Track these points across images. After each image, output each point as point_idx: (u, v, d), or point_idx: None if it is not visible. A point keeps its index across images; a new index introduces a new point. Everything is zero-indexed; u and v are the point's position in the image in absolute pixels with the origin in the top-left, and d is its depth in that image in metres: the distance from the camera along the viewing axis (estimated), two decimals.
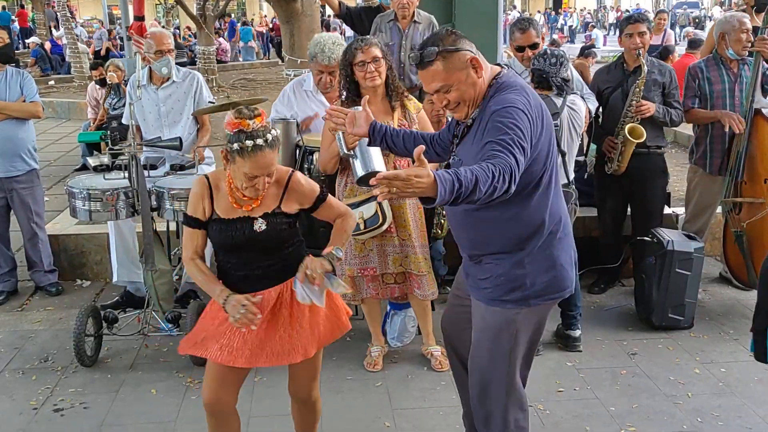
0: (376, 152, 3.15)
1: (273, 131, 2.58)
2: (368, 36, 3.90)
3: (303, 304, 2.70)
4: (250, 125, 2.52)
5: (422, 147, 2.12)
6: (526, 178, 2.39)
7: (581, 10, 41.87)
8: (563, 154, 3.89)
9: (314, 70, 4.23)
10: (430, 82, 2.49)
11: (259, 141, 2.51)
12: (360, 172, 3.49)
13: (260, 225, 2.65)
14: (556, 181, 2.59)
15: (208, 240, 2.77)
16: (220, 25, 23.24)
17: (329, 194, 2.87)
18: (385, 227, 3.71)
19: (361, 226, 3.69)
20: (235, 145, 2.52)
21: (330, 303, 2.81)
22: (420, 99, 4.31)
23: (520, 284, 2.57)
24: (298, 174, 2.78)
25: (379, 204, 3.65)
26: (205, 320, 2.80)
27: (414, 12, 5.70)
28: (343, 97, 3.81)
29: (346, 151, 3.23)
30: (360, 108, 2.95)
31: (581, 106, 4.00)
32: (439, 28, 2.50)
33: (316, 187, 2.81)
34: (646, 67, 4.51)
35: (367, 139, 2.89)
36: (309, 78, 4.43)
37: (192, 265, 2.74)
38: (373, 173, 3.48)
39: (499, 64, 2.64)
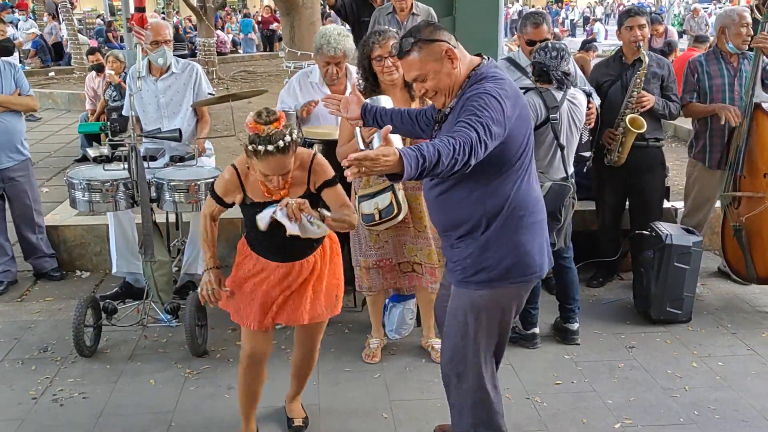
0: (396, 141, 3.20)
1: (288, 136, 2.71)
2: (386, 28, 3.86)
3: (315, 276, 3.06)
4: (265, 130, 2.69)
5: (389, 127, 2.28)
6: (497, 161, 2.52)
7: (587, 6, 41.67)
8: (562, 148, 3.89)
9: (321, 62, 4.23)
10: (408, 71, 2.63)
11: (270, 147, 2.67)
12: None
13: None
14: (530, 168, 2.68)
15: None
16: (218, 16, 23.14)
17: (338, 184, 3.01)
18: (401, 218, 3.69)
19: (376, 217, 3.69)
20: (250, 147, 2.72)
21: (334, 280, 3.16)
22: None
23: (484, 266, 2.67)
24: (320, 156, 2.99)
25: (395, 194, 3.66)
26: (234, 286, 3.12)
27: (412, 4, 5.69)
28: (361, 87, 3.79)
29: (362, 147, 3.28)
30: (380, 97, 3.16)
31: (582, 100, 3.99)
32: (421, 22, 2.63)
33: (331, 171, 2.99)
34: (646, 59, 4.51)
35: (382, 133, 2.97)
36: (315, 70, 4.44)
37: (203, 220, 3.08)
38: None
39: (480, 54, 2.68)
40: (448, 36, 2.59)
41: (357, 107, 3.02)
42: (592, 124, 4.36)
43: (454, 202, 2.66)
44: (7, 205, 5.18)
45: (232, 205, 3.03)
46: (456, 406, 2.96)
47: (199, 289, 3.07)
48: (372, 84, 3.76)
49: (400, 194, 3.70)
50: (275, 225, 2.80)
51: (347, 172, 2.13)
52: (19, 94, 5.01)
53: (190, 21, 23.89)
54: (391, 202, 3.69)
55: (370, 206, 3.70)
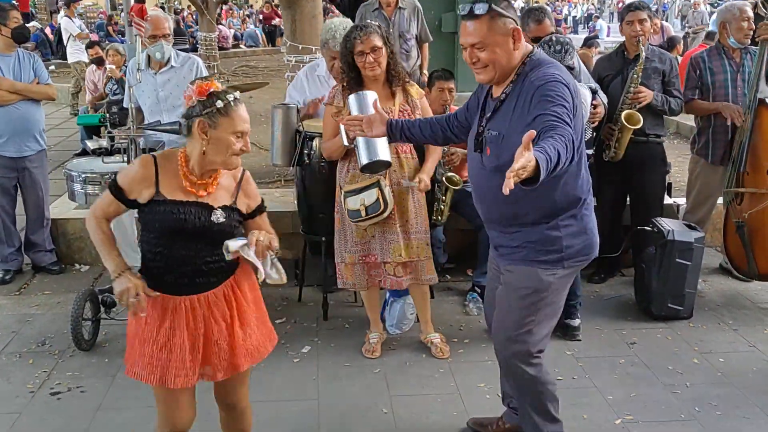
0: (381, 141, 3.20)
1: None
2: (369, 23, 3.85)
3: (245, 307, 2.60)
4: (218, 86, 2.45)
5: (533, 132, 2.11)
6: None
7: (591, 3, 41.57)
8: None
9: (327, 56, 4.24)
10: (470, 35, 2.53)
11: (237, 94, 2.46)
12: (364, 160, 3.54)
13: (219, 216, 2.49)
14: (583, 153, 2.67)
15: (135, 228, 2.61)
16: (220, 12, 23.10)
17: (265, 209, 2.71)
18: (386, 214, 3.68)
19: (362, 213, 3.67)
20: (219, 103, 2.39)
21: (260, 312, 2.69)
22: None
23: (556, 247, 2.67)
24: (249, 174, 2.64)
25: (381, 191, 3.63)
26: (143, 343, 2.52)
27: None
28: (344, 83, 3.77)
29: (347, 143, 3.28)
30: (366, 92, 3.18)
31: (586, 95, 3.96)
32: None
33: (260, 197, 2.66)
34: (644, 54, 4.49)
35: None
36: (322, 63, 4.44)
37: (94, 222, 2.52)
38: (379, 161, 3.52)
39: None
40: (517, 16, 2.56)
41: (381, 125, 2.98)
42: (596, 123, 4.33)
43: (520, 196, 2.44)
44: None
45: (133, 204, 2.49)
46: (520, 390, 2.95)
47: (118, 300, 2.44)
48: (355, 78, 3.74)
49: (387, 191, 3.68)
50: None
51: (504, 187, 1.99)
52: (38, 83, 5.01)
53: (192, 15, 23.85)
54: (378, 199, 3.67)
55: (356, 202, 3.68)
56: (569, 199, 2.65)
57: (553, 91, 2.42)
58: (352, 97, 3.46)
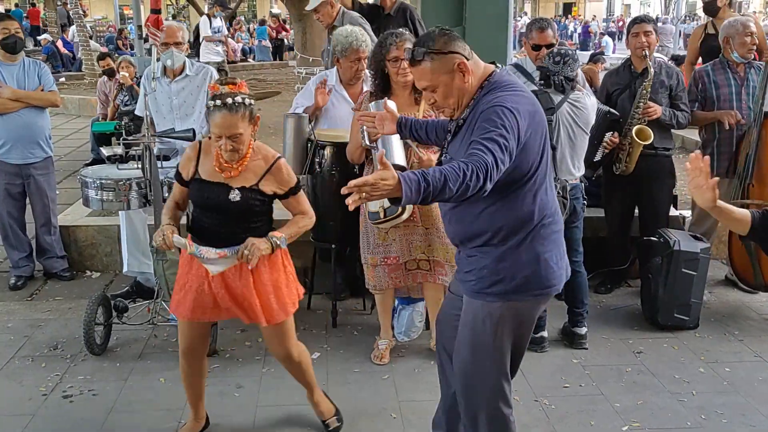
0: (397, 145, 3.29)
1: (239, 97, 2.82)
2: (401, 30, 3.89)
3: (258, 277, 3.03)
4: (220, 89, 2.85)
5: (383, 151, 2.35)
6: (514, 173, 2.44)
7: (593, 18, 41.76)
8: (553, 149, 3.91)
9: (349, 60, 4.29)
10: (418, 79, 2.59)
11: (219, 102, 2.80)
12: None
13: (235, 196, 2.93)
14: (548, 176, 2.61)
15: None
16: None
17: (302, 191, 3.13)
18: (405, 216, 3.70)
19: (381, 215, 3.71)
20: (209, 103, 2.84)
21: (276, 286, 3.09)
22: None
23: (501, 277, 2.57)
24: (284, 161, 3.05)
25: None
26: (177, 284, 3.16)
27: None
28: (371, 90, 3.84)
29: (368, 143, 3.34)
30: (387, 100, 3.22)
31: (588, 103, 4.01)
32: (432, 29, 2.62)
33: (294, 179, 3.07)
34: (652, 69, 4.54)
35: (377, 156, 3.04)
36: (331, 73, 4.49)
37: (169, 202, 3.15)
38: (394, 165, 3.58)
39: (494, 62, 2.69)
40: (462, 46, 2.53)
41: (392, 123, 3.05)
42: (608, 150, 4.44)
43: (471, 215, 2.57)
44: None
45: (188, 183, 3.04)
46: (470, 423, 2.82)
47: (153, 241, 3.06)
48: (383, 85, 3.80)
49: None
50: (215, 211, 2.97)
51: (348, 200, 2.14)
52: (42, 90, 5.05)
53: None
54: None
55: (375, 204, 3.73)
56: (520, 223, 2.54)
57: (491, 117, 2.37)
58: (372, 105, 3.53)
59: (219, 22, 12.61)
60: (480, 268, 2.61)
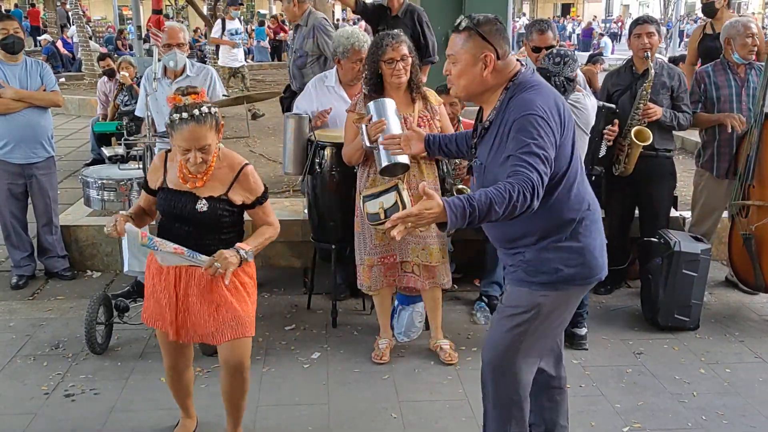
0: (393, 116, 3.27)
1: (205, 108, 2.73)
2: (397, 31, 3.90)
3: (219, 291, 2.93)
4: (183, 101, 2.74)
5: (425, 184, 2.32)
6: (552, 175, 2.45)
7: (593, 18, 41.77)
8: None
9: (350, 61, 4.31)
10: (450, 46, 2.62)
11: (185, 115, 2.70)
12: (384, 162, 3.61)
13: (202, 206, 2.85)
14: (581, 170, 2.65)
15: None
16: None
17: (268, 200, 3.03)
18: None
19: (381, 216, 3.72)
20: (168, 120, 2.75)
21: (239, 298, 2.98)
22: None
23: (547, 269, 2.61)
24: (251, 168, 2.96)
25: (399, 194, 3.69)
26: (147, 297, 3.11)
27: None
28: (366, 91, 3.85)
29: (368, 144, 3.33)
30: (385, 99, 3.29)
31: (588, 104, 4.02)
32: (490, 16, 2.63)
33: (262, 187, 2.98)
34: (653, 71, 4.55)
35: (420, 188, 3.04)
36: (331, 74, 4.50)
37: (134, 207, 3.09)
38: (398, 164, 3.60)
39: (519, 60, 2.69)
40: (501, 44, 2.55)
41: (419, 143, 3.06)
42: (611, 141, 4.42)
43: (510, 220, 2.55)
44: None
45: (153, 192, 2.97)
46: (489, 407, 2.85)
47: (105, 229, 2.91)
48: (376, 85, 3.81)
49: (405, 194, 3.73)
50: (177, 222, 2.89)
51: (394, 232, 2.16)
52: (44, 90, 5.05)
53: (199, 30, 24.02)
54: (396, 202, 3.72)
55: (374, 206, 3.73)
56: (561, 222, 2.59)
57: (526, 128, 2.39)
58: (371, 105, 3.54)
59: (236, 24, 12.09)
60: (525, 261, 2.65)
